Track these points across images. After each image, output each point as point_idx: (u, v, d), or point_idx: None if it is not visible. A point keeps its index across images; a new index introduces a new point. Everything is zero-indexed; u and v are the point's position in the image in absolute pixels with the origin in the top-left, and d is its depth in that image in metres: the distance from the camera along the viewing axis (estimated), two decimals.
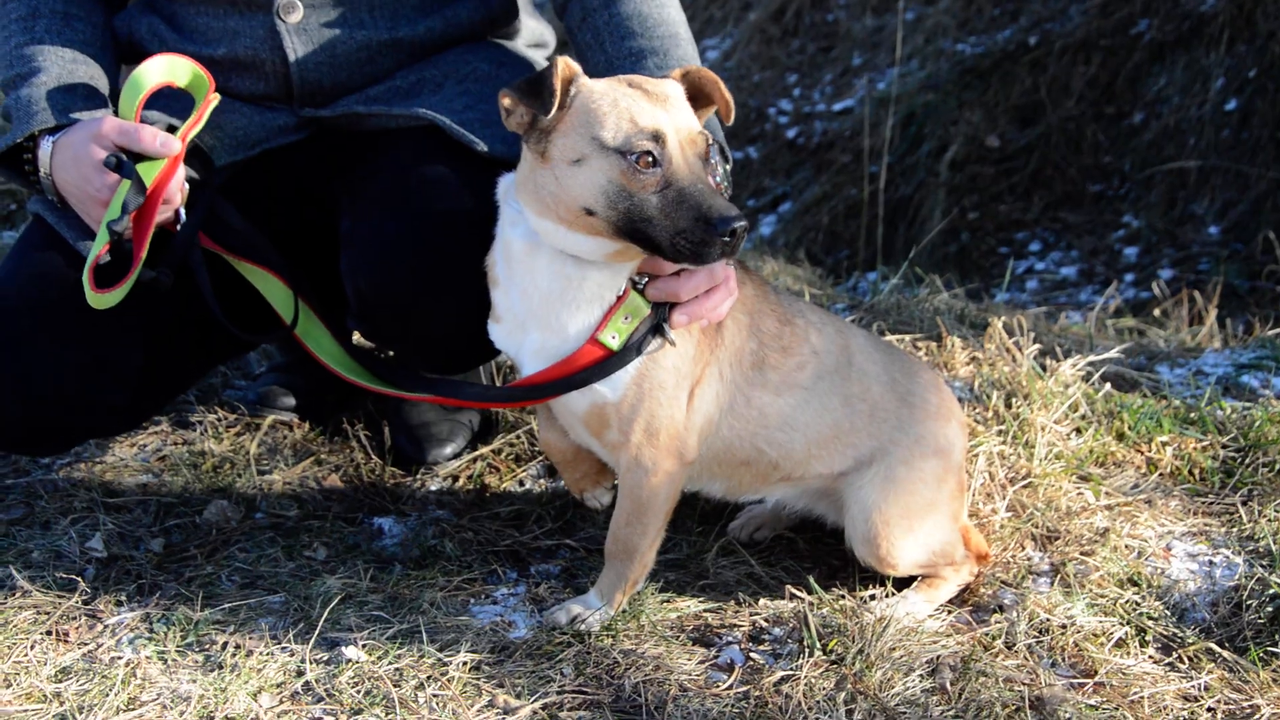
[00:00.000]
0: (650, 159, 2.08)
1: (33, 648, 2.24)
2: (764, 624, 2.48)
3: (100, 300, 2.32)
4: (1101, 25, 7.37)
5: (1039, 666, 2.35)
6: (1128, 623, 2.49)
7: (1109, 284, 5.96)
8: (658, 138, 2.09)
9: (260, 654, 2.30)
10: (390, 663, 2.28)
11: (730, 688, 2.27)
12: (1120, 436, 3.10)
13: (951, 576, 2.57)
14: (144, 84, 2.44)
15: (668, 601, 2.53)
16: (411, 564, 2.67)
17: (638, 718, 2.18)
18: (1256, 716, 2.26)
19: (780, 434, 2.45)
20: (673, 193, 2.07)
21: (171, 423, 3.14)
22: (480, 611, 2.51)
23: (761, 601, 2.55)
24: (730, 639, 2.43)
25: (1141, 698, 2.29)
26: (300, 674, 2.24)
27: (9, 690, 2.11)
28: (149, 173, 2.35)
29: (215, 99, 2.51)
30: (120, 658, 2.25)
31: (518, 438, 3.06)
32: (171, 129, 2.42)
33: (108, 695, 2.12)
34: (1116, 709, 2.26)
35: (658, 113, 2.12)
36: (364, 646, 2.32)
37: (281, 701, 2.18)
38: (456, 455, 3.01)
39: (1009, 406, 3.14)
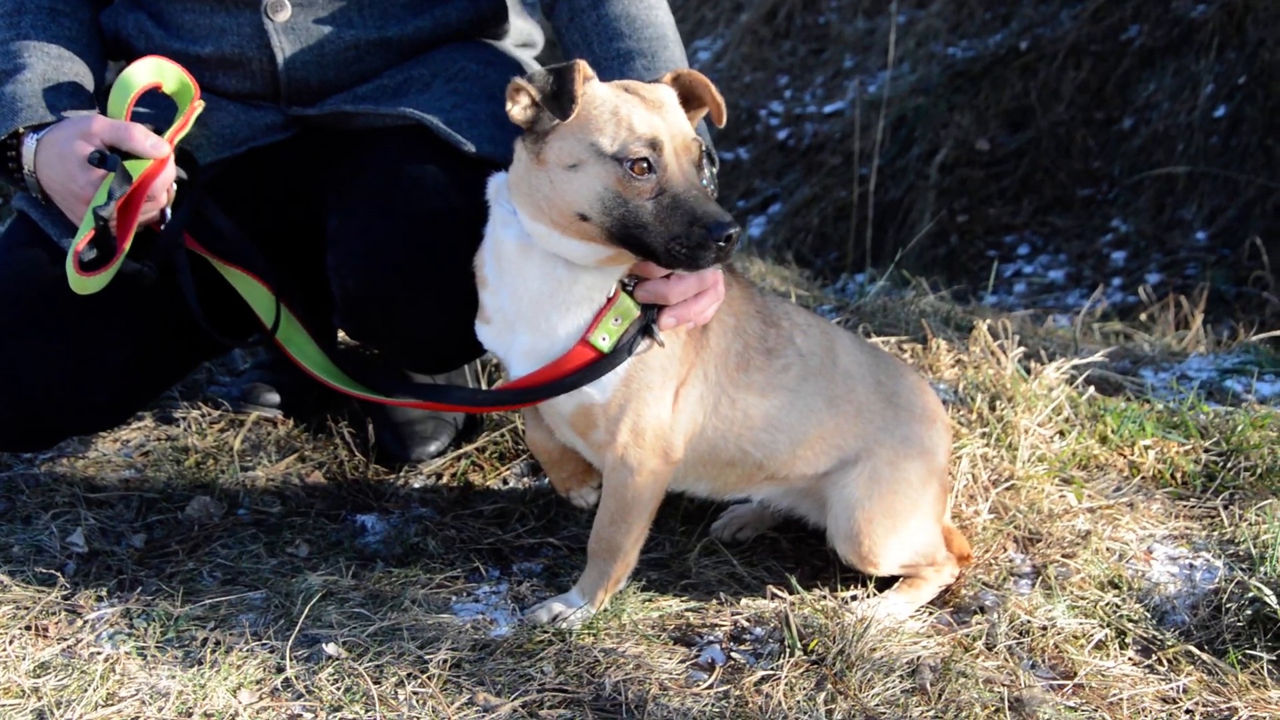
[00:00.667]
0: (645, 165, 2.08)
1: (11, 643, 2.23)
2: (745, 624, 2.48)
3: (83, 284, 2.31)
4: (1092, 30, 7.39)
5: (1019, 668, 2.36)
6: (1108, 625, 2.49)
7: (1096, 288, 5.97)
8: (654, 145, 2.09)
9: (240, 650, 2.29)
10: (371, 660, 2.28)
11: (711, 687, 2.27)
12: (1103, 440, 3.11)
13: (933, 577, 2.57)
14: (133, 85, 2.44)
15: (649, 600, 2.53)
16: (394, 561, 2.66)
17: (618, 716, 2.18)
18: (1235, 719, 2.27)
19: (765, 435, 2.46)
20: (667, 199, 2.08)
21: (155, 418, 3.14)
22: (462, 609, 2.51)
23: (743, 601, 2.55)
24: (711, 638, 2.44)
25: (1121, 699, 2.29)
26: (280, 670, 2.24)
27: None
28: (135, 170, 2.35)
29: (200, 105, 2.51)
30: (100, 653, 2.24)
31: (502, 436, 3.06)
32: (159, 132, 2.42)
33: (86, 690, 2.12)
34: (1096, 710, 2.26)
35: (654, 119, 2.12)
36: (344, 644, 2.32)
37: (261, 698, 2.18)
38: (441, 453, 3.01)
39: (993, 409, 3.15)
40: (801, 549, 2.77)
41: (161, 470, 2.95)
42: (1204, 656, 2.41)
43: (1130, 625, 2.50)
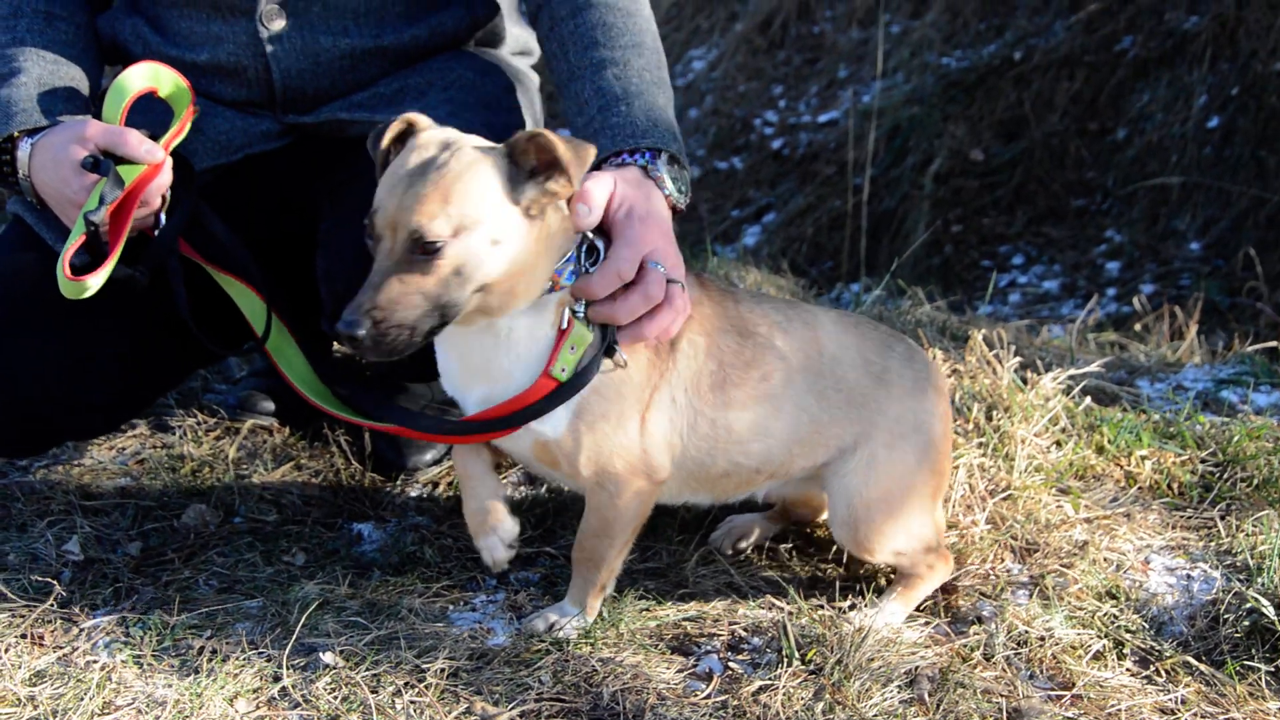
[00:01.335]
0: (371, 230, 2.07)
1: (6, 651, 2.22)
2: (743, 633, 2.48)
3: (73, 288, 2.30)
4: (1086, 41, 7.42)
5: (1017, 678, 2.36)
6: (1106, 635, 2.49)
7: (1091, 298, 5.98)
8: (372, 216, 2.06)
9: (237, 659, 2.28)
10: (368, 669, 2.27)
11: (709, 697, 2.27)
12: (1100, 450, 3.11)
13: (928, 575, 2.56)
14: (128, 89, 2.43)
15: (647, 610, 2.53)
16: (390, 570, 2.66)
17: None
18: None
19: (757, 444, 2.44)
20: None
21: (150, 426, 3.13)
22: (459, 618, 2.50)
23: (741, 611, 2.55)
24: (709, 648, 2.43)
25: (1119, 710, 2.29)
26: (277, 679, 2.23)
27: None
28: (129, 175, 2.35)
29: (196, 111, 2.51)
30: (96, 661, 2.23)
31: None
32: (154, 138, 2.41)
33: (82, 699, 2.11)
34: None
35: (383, 191, 2.08)
36: (341, 652, 2.31)
37: (258, 707, 2.17)
38: (437, 461, 3.00)
39: (989, 419, 3.15)
40: (800, 558, 2.77)
41: (157, 478, 2.94)
42: (1202, 668, 2.41)
43: (1128, 636, 2.49)
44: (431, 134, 2.15)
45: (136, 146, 2.35)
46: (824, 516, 2.79)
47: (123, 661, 2.25)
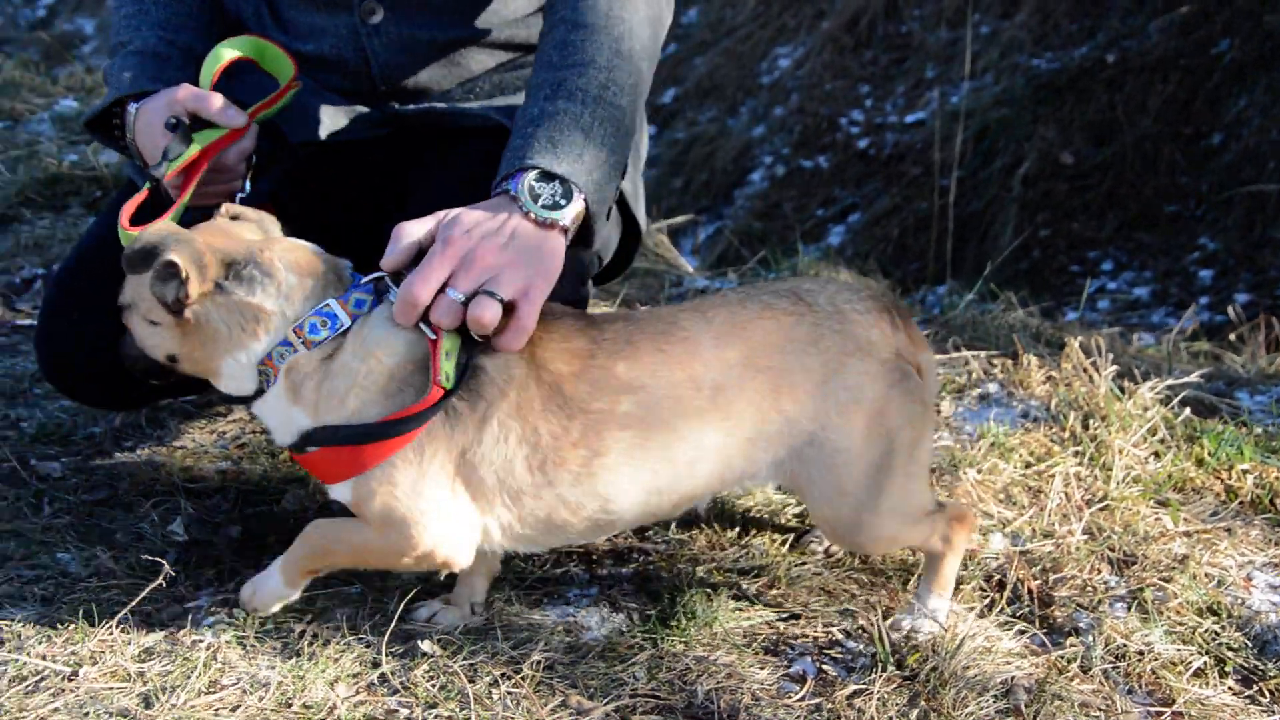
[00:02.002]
0: None
1: (117, 627, 2.27)
2: (837, 636, 2.47)
3: (127, 239, 2.32)
4: (1181, 44, 7.30)
5: (1115, 692, 2.33)
6: (1206, 652, 2.46)
7: (1183, 306, 5.90)
8: None
9: (337, 644, 2.32)
10: (465, 659, 2.29)
11: (802, 699, 2.27)
12: (1200, 462, 3.06)
13: (948, 550, 2.44)
14: (222, 56, 2.48)
15: (740, 610, 2.53)
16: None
17: None
18: None
19: (636, 495, 2.28)
20: None
21: (250, 411, 3.17)
22: (552, 611, 2.52)
23: (834, 613, 2.54)
24: (802, 649, 2.43)
25: None
26: (376, 665, 2.26)
27: (95, 667, 2.15)
28: (209, 138, 2.40)
29: (296, 85, 2.54)
30: (201, 641, 2.28)
31: None
32: (246, 107, 2.45)
33: (189, 677, 2.15)
34: None
35: None
36: (439, 641, 2.34)
37: (358, 692, 2.20)
38: None
39: (1086, 428, 3.11)
40: (893, 560, 2.75)
41: (257, 463, 2.99)
42: None
43: (1230, 654, 2.46)
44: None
45: (218, 110, 2.39)
46: None
47: (227, 642, 2.29)
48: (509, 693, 2.22)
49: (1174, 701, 2.32)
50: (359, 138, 2.76)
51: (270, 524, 2.77)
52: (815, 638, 2.47)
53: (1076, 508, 2.86)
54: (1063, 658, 2.42)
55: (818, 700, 2.26)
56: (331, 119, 2.72)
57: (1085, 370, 3.36)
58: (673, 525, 2.82)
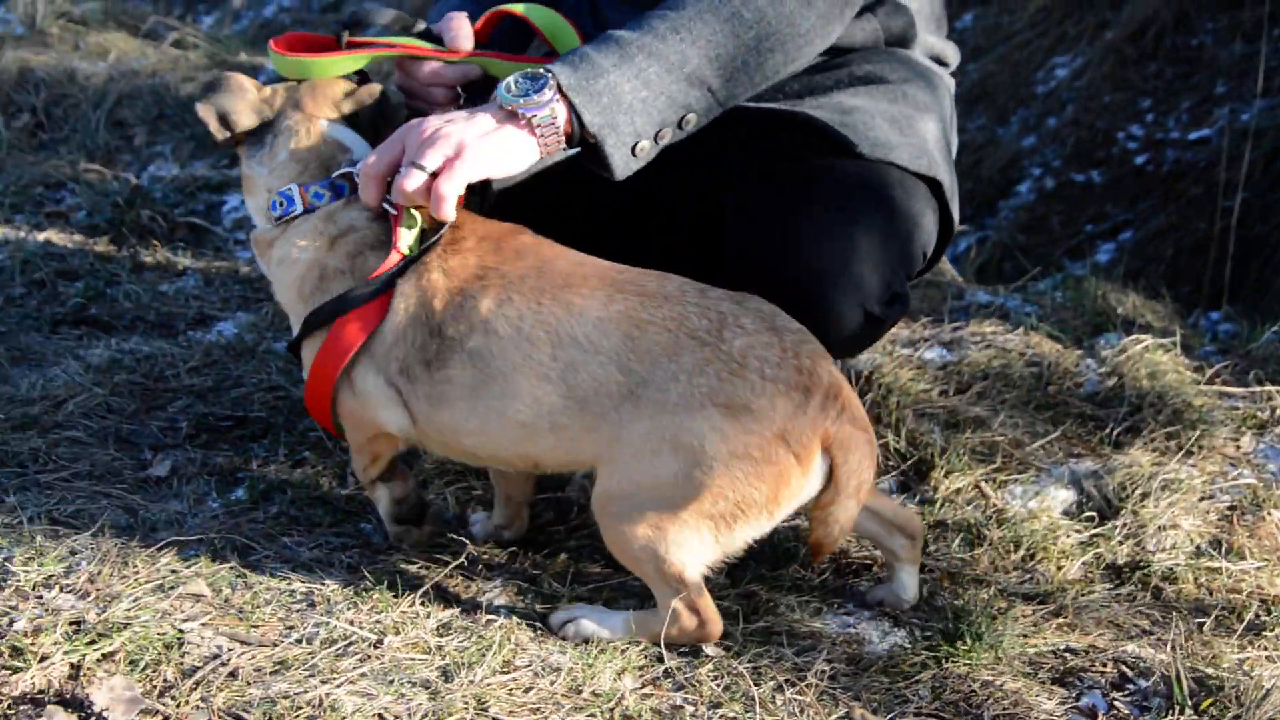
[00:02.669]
0: None
1: (418, 601, 2.36)
2: (1128, 671, 2.39)
3: (273, 55, 2.50)
4: None
5: None
6: None
7: None
8: None
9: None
10: (748, 661, 2.30)
11: None
12: None
13: (665, 610, 2.30)
14: (514, 8, 2.58)
15: (1025, 637, 2.46)
16: (765, 564, 2.68)
17: None
18: None
19: (468, 440, 2.37)
20: None
21: None
22: (833, 621, 2.51)
23: (1126, 647, 2.45)
24: (1091, 683, 2.35)
25: None
26: (661, 660, 2.29)
27: (398, 637, 2.24)
28: (415, 42, 2.54)
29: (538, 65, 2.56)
30: (495, 621, 2.35)
31: None
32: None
33: (485, 655, 2.22)
34: None
35: None
36: (721, 642, 2.35)
37: (644, 685, 2.24)
38: None
39: None
40: (1186, 595, 2.64)
41: None
42: None
43: None
44: None
45: (451, 30, 2.50)
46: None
47: (518, 624, 2.35)
48: (793, 699, 2.22)
49: None
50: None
51: (557, 511, 2.84)
52: (1104, 671, 2.39)
53: None
54: None
55: None
56: None
57: None
58: (955, 542, 2.77)
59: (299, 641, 2.20)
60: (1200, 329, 5.85)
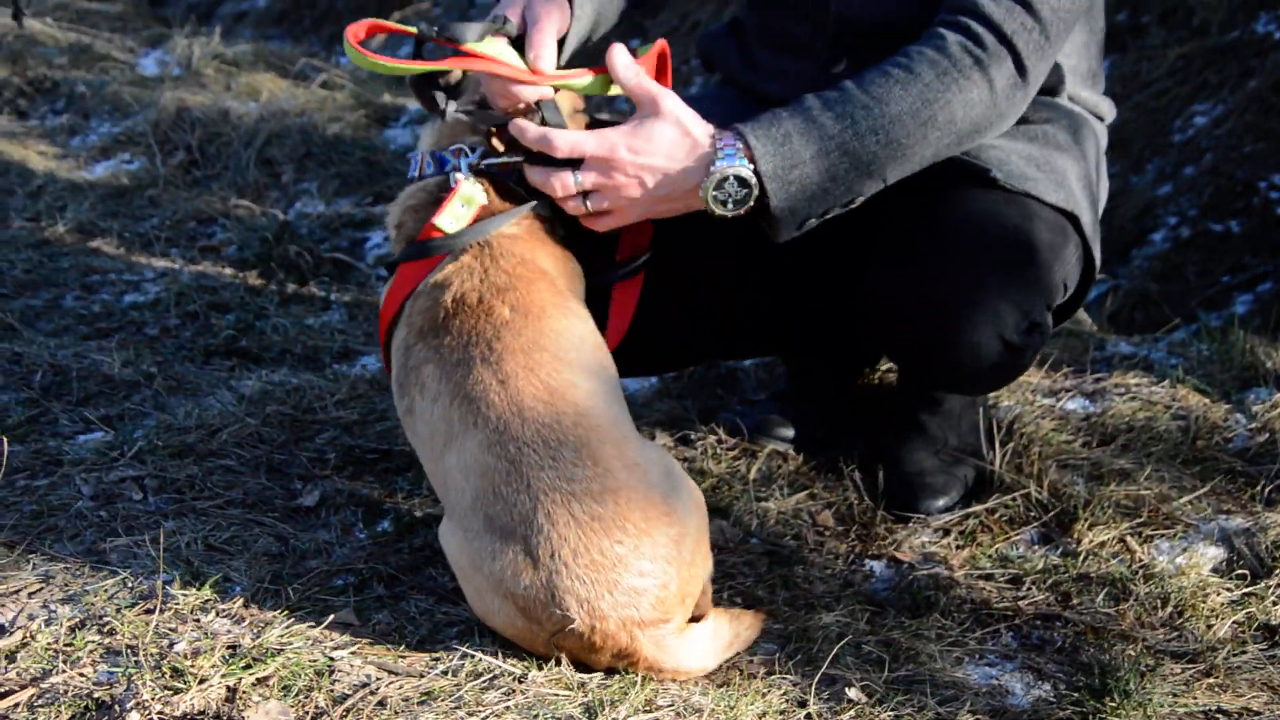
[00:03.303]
0: None
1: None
2: None
3: (351, 51, 2.42)
4: None
5: None
6: None
7: None
8: None
9: (763, 679, 2.36)
10: (890, 710, 2.29)
11: None
12: None
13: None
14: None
15: (1175, 695, 2.41)
16: (905, 611, 2.66)
17: None
18: None
19: None
20: None
21: (674, 439, 3.28)
22: (975, 671, 2.48)
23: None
24: None
25: None
26: (802, 705, 2.29)
27: (541, 673, 2.26)
28: (493, 51, 2.43)
29: (601, 91, 2.51)
30: None
31: (1013, 500, 3.00)
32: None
33: (627, 694, 2.23)
34: None
35: None
36: (863, 688, 2.34)
37: None
38: (949, 508, 2.98)
39: None
40: None
41: None
42: None
43: None
44: None
45: (534, 48, 2.42)
46: None
47: None
48: None
49: None
50: None
51: None
52: None
53: None
54: None
55: None
56: None
57: None
58: (1099, 596, 2.71)
59: (445, 673, 2.24)
60: None
